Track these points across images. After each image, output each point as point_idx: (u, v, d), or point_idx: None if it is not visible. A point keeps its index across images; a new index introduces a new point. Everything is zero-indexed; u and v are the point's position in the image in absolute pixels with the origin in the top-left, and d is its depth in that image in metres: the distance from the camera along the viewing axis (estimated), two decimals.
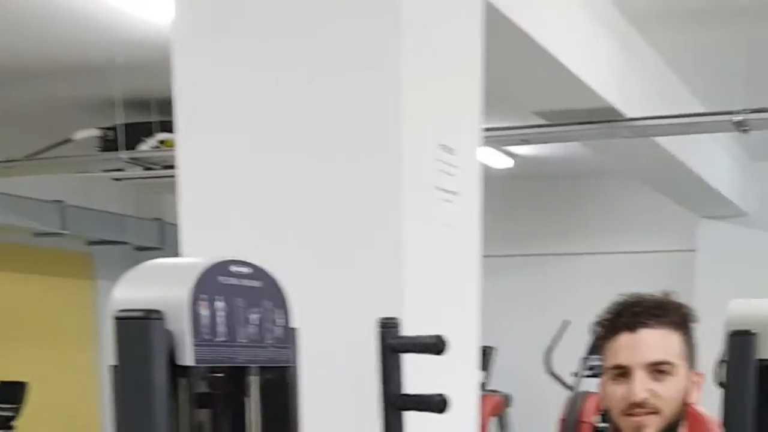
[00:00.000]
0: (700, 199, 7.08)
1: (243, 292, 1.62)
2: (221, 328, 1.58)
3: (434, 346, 1.99)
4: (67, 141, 5.31)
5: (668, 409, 2.04)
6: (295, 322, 1.73)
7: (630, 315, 2.06)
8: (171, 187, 2.58)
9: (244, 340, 1.62)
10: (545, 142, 5.63)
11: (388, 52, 2.22)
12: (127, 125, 5.18)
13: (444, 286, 2.45)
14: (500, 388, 7.43)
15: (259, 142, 2.33)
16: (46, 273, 7.09)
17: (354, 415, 2.21)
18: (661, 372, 2.03)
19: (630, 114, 4.60)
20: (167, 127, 4.98)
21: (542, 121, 4.75)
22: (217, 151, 2.37)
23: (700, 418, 2.17)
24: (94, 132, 5.37)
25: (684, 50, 5.01)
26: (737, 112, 4.52)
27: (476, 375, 2.72)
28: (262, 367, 1.69)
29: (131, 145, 5.17)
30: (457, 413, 2.14)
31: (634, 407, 2.02)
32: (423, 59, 2.31)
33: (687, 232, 8.01)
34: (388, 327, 2.03)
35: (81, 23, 4.21)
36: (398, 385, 2.04)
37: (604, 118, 4.57)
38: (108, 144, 5.35)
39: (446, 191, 2.40)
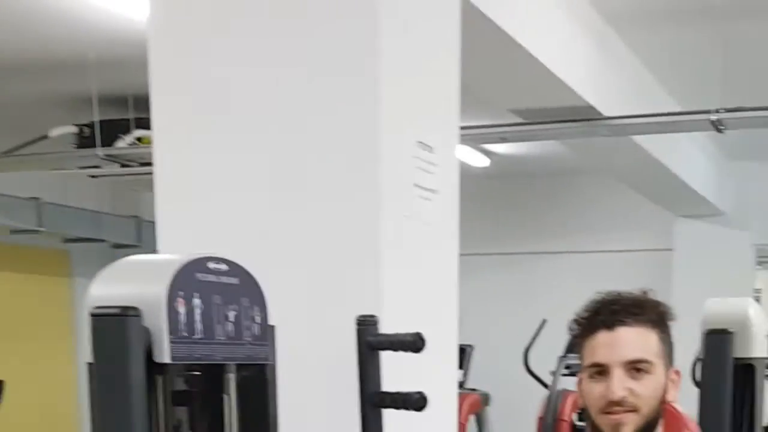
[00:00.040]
0: (677, 198, 7.10)
1: (220, 289, 1.61)
2: (198, 325, 1.57)
3: (413, 343, 1.99)
4: (44, 138, 5.26)
5: (646, 407, 2.04)
6: (273, 319, 1.72)
7: (608, 313, 2.06)
8: (148, 185, 2.56)
9: (221, 338, 1.61)
10: (523, 140, 5.63)
11: (366, 52, 2.22)
12: (103, 122, 5.14)
13: (423, 283, 2.45)
14: (479, 386, 7.41)
15: (236, 139, 2.32)
16: (23, 270, 7.04)
17: (332, 413, 2.21)
18: (639, 370, 2.04)
19: (607, 113, 4.61)
20: (144, 124, 4.97)
21: (520, 120, 4.76)
22: (194, 148, 2.36)
23: (678, 416, 2.17)
24: (71, 129, 5.32)
25: (660, 50, 5.03)
26: (714, 111, 4.54)
27: (455, 373, 2.72)
28: (239, 365, 1.68)
29: (108, 142, 5.13)
30: (436, 411, 2.14)
31: (613, 405, 2.03)
32: (401, 57, 2.30)
33: (664, 231, 8.03)
34: (366, 324, 2.03)
35: (57, 19, 4.18)
36: (377, 382, 2.03)
37: (582, 116, 4.58)
38: (84, 141, 5.30)
39: (425, 189, 2.40)
